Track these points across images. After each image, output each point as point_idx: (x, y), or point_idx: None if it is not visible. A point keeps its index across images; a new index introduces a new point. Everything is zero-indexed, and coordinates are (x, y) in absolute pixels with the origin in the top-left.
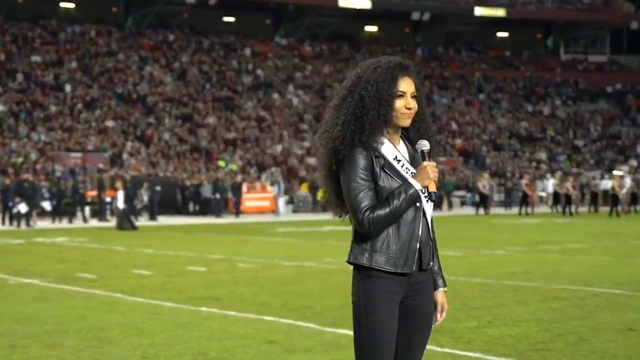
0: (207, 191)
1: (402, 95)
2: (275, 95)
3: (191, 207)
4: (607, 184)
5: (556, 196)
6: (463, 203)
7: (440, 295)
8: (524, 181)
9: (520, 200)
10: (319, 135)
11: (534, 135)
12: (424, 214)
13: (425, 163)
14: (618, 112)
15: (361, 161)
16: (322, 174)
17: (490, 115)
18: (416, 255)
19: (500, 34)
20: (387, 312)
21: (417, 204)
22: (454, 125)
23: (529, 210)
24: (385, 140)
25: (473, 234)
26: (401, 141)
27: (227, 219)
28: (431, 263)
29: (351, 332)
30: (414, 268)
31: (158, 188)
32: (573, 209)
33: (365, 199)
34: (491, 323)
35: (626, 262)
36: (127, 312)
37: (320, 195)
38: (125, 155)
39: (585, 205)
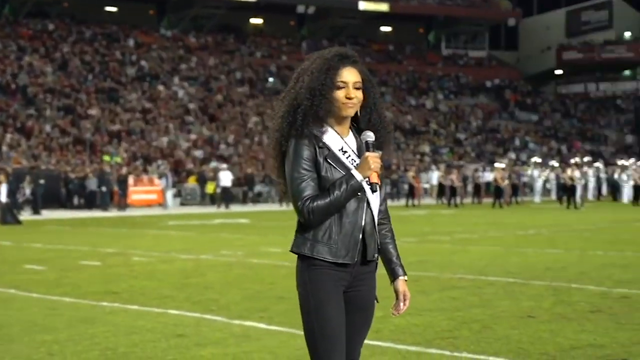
0: (92, 184)
1: (343, 85)
2: (160, 87)
3: (76, 200)
4: (489, 176)
5: (441, 188)
6: None
7: (400, 284)
8: (410, 173)
9: (407, 192)
10: (270, 132)
11: (417, 129)
12: (369, 205)
13: (367, 154)
14: (497, 106)
15: (303, 151)
16: (275, 165)
17: None
18: (359, 246)
19: (383, 29)
20: (335, 299)
21: (360, 195)
22: None
23: (415, 202)
24: (331, 131)
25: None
26: (350, 132)
27: (113, 213)
28: (375, 255)
29: (259, 324)
30: (356, 259)
31: (42, 181)
32: (458, 200)
33: (306, 189)
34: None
35: (515, 252)
36: (24, 308)
37: (209, 188)
38: (4, 148)
39: (469, 197)
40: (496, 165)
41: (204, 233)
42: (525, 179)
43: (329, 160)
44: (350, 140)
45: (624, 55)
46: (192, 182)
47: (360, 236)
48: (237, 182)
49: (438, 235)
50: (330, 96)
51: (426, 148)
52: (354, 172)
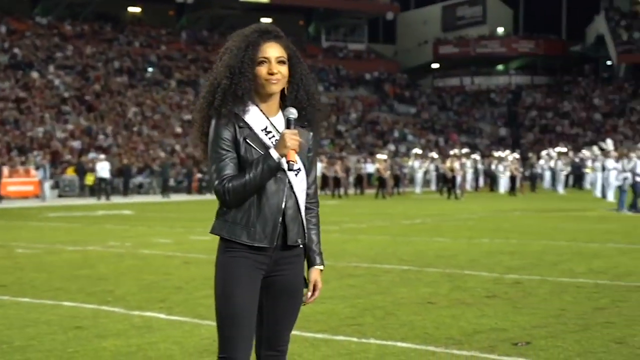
0: None
1: (264, 61)
2: (35, 75)
3: None
4: (371, 167)
5: (325, 179)
6: None
7: (314, 273)
8: None
9: None
10: (194, 113)
11: None
12: (291, 187)
13: (284, 131)
14: (376, 98)
15: (222, 131)
16: (202, 148)
17: None
18: (279, 230)
19: (264, 20)
20: (247, 284)
21: (279, 176)
22: None
23: None
24: (255, 110)
25: None
26: (280, 112)
27: None
28: (299, 240)
29: (160, 315)
30: (275, 243)
31: None
32: (342, 191)
33: (224, 169)
34: None
35: (404, 241)
36: None
37: (88, 179)
38: None
39: (351, 188)
40: (378, 156)
41: (88, 225)
42: (405, 171)
43: (247, 141)
44: (278, 119)
45: (497, 50)
46: (70, 174)
47: (281, 219)
48: (115, 173)
49: (326, 225)
50: (250, 73)
51: None
52: (271, 150)
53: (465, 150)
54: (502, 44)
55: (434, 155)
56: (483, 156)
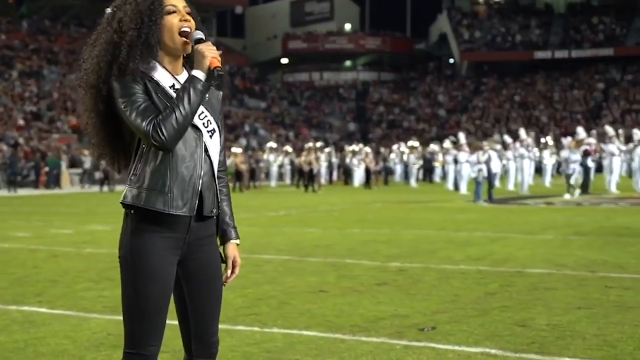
0: None
1: (173, 9)
2: None
3: None
4: (228, 161)
5: None
6: (81, 181)
7: (231, 248)
8: None
9: None
10: (77, 79)
11: None
12: (207, 151)
13: (197, 46)
14: (227, 92)
15: (134, 84)
16: (90, 121)
17: None
18: (197, 198)
19: (109, 11)
20: (160, 274)
21: (194, 135)
22: (67, 102)
23: None
24: (160, 68)
25: (111, 209)
26: (185, 71)
27: None
28: (214, 210)
29: (41, 309)
30: (194, 212)
31: None
32: None
33: (146, 110)
34: None
35: (276, 232)
36: None
37: None
38: None
39: None
40: (234, 150)
41: None
42: (262, 164)
43: (159, 95)
44: (184, 78)
45: (345, 46)
46: None
47: (200, 185)
48: None
49: None
50: (160, 22)
51: None
52: (193, 72)
53: (319, 144)
54: (349, 41)
55: (288, 149)
56: (337, 150)
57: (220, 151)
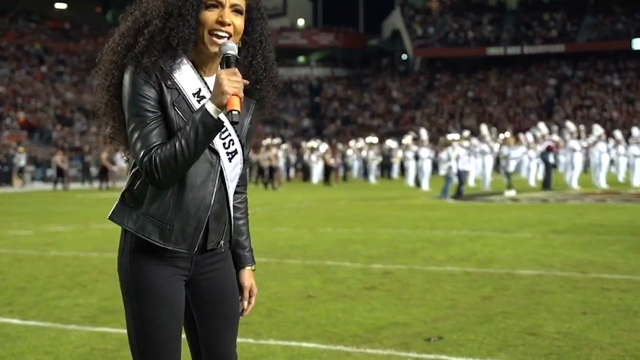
0: None
1: (215, 4)
2: None
3: None
4: None
5: None
6: (33, 178)
7: (246, 275)
8: (103, 155)
9: (100, 174)
10: (103, 51)
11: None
12: (222, 175)
13: (220, 71)
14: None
15: (144, 88)
16: (102, 101)
17: (53, 88)
18: (200, 235)
19: (58, 5)
20: (168, 299)
21: (210, 159)
22: (16, 98)
23: (110, 184)
24: (187, 67)
25: (69, 209)
26: None
27: None
28: (222, 242)
29: (13, 320)
30: (195, 249)
31: None
32: None
33: (149, 136)
34: None
35: None
36: None
37: None
38: None
39: None
40: None
41: None
42: None
43: (175, 107)
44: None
45: (299, 42)
46: None
47: (207, 218)
48: None
49: None
50: (192, 19)
51: (109, 130)
52: (207, 104)
53: (277, 141)
54: (302, 36)
55: None
56: (293, 146)
57: (242, 168)
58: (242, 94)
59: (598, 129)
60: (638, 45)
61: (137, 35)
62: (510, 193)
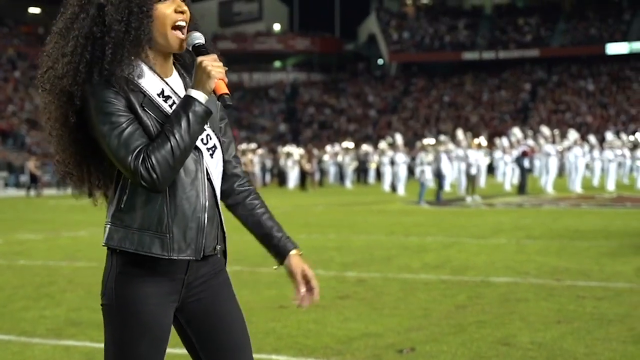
0: None
1: None
2: None
3: None
4: None
5: None
6: (6, 184)
7: (294, 261)
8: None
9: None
10: (39, 77)
11: None
12: (208, 173)
13: (200, 58)
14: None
15: (111, 96)
16: (54, 133)
17: (27, 94)
18: (203, 236)
19: (32, 10)
20: (151, 315)
21: (194, 156)
22: None
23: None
24: (146, 70)
25: (41, 216)
26: (174, 71)
27: None
28: (218, 247)
29: None
30: (201, 254)
31: None
32: None
33: (131, 139)
34: None
35: None
36: None
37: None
38: None
39: None
40: None
41: None
42: None
43: (145, 109)
44: (175, 81)
45: (275, 47)
46: None
47: (205, 218)
48: None
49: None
50: (152, 13)
51: None
52: (192, 92)
53: (252, 146)
54: (278, 41)
55: None
56: (269, 151)
57: (235, 165)
58: (226, 79)
59: (573, 134)
60: (611, 50)
61: (94, 47)
62: (469, 199)
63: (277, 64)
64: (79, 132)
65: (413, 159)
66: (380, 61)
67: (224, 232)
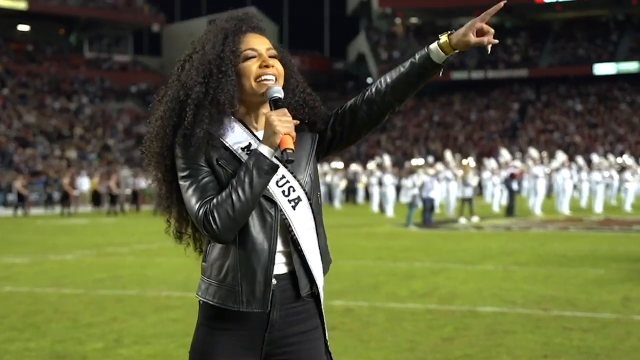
0: None
1: (252, 54)
2: None
3: None
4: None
5: (98, 196)
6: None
7: (454, 37)
8: (65, 180)
9: (61, 199)
10: (145, 143)
11: (62, 133)
12: (288, 221)
13: (268, 113)
14: (143, 111)
15: (191, 156)
16: (161, 193)
17: (15, 111)
18: (270, 290)
19: (21, 27)
20: None
21: (270, 211)
22: None
23: (72, 209)
24: (236, 125)
25: (27, 237)
26: None
27: None
28: (315, 290)
29: None
30: (269, 307)
31: None
32: (118, 208)
33: (205, 190)
34: (119, 342)
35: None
36: None
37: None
38: None
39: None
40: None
41: None
42: None
43: (220, 163)
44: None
45: None
46: None
47: (272, 272)
48: None
49: (115, 247)
50: (233, 72)
51: (73, 154)
52: (260, 146)
53: None
54: None
55: None
56: None
57: (346, 111)
58: (294, 133)
59: (561, 155)
60: (599, 70)
61: (181, 111)
62: (463, 220)
63: None
64: (178, 190)
65: (400, 179)
66: (369, 80)
67: (323, 271)
